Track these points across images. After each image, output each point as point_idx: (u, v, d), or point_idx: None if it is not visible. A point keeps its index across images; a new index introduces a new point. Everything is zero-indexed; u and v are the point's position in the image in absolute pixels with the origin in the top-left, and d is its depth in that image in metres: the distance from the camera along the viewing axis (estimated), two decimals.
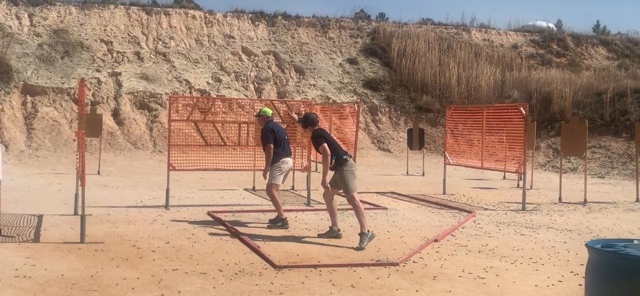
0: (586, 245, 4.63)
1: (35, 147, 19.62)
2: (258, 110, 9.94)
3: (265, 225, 9.17)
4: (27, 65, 22.60)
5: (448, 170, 14.96)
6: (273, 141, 9.21)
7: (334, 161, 8.02)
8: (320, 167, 10.34)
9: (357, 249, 7.66)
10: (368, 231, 7.93)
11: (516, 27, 34.44)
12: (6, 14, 24.68)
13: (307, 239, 8.33)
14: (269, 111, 9.80)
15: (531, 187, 15.21)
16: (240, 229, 8.76)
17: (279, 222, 9.09)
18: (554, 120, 23.76)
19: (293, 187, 13.99)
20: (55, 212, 9.79)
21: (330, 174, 8.19)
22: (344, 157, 8.08)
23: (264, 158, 9.36)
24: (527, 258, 7.45)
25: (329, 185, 8.16)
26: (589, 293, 4.55)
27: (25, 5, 25.30)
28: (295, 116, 9.74)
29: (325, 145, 8.02)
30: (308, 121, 8.55)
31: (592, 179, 17.70)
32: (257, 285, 6.02)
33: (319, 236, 8.41)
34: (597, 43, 34.44)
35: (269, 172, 9.26)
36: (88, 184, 8.90)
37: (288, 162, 9.43)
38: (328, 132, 8.66)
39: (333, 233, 8.36)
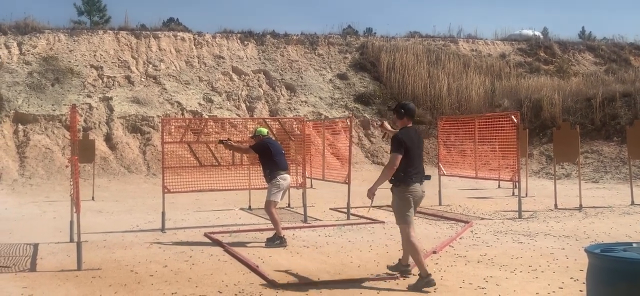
0: (585, 250, 4.64)
1: (28, 176, 19.51)
2: (253, 131, 9.84)
3: (263, 244, 9.12)
4: (18, 94, 22.53)
5: (443, 181, 14.98)
6: (265, 148, 9.21)
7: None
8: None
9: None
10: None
11: (503, 37, 34.73)
12: None
13: (305, 256, 8.30)
14: (264, 130, 9.68)
15: (526, 194, 15.25)
16: (238, 249, 8.72)
17: (277, 240, 8.97)
18: (545, 127, 23.89)
19: (289, 204, 13.96)
20: (50, 240, 9.71)
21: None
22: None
23: (263, 176, 9.34)
24: (526, 266, 7.45)
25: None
26: None
27: (13, 34, 25.27)
28: (388, 126, 7.69)
29: (400, 157, 6.38)
30: (406, 111, 6.70)
31: (587, 184, 17.77)
32: None
33: (388, 268, 7.06)
34: (584, 49, 34.74)
35: (267, 190, 9.15)
36: (83, 210, 8.84)
37: (286, 178, 9.26)
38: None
39: (401, 268, 6.93)
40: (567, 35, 41.55)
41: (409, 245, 6.52)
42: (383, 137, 8.53)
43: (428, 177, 6.75)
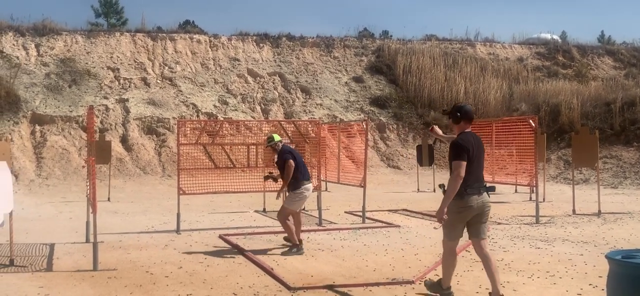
0: (606, 257, 4.57)
1: (45, 176, 19.66)
2: (268, 139, 9.32)
3: (280, 249, 9.03)
4: (35, 95, 22.73)
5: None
6: (292, 158, 8.72)
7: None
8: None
9: None
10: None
11: (521, 40, 34.44)
12: (13, 44, 24.89)
13: (320, 259, 8.25)
14: (278, 136, 9.28)
15: (544, 199, 15.08)
16: (253, 251, 8.69)
17: (294, 248, 8.63)
18: (564, 131, 23.64)
19: (305, 207, 13.89)
20: (67, 240, 9.76)
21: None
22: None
23: (281, 179, 8.88)
24: (544, 271, 7.35)
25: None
26: None
27: (31, 35, 25.52)
28: (439, 130, 6.96)
29: (464, 164, 5.68)
30: (463, 114, 5.98)
31: (605, 190, 17.54)
32: None
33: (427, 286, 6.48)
34: (603, 53, 34.36)
35: (287, 197, 8.81)
36: (99, 211, 8.87)
37: (310, 188, 8.96)
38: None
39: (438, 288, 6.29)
40: (586, 39, 41.26)
41: (449, 257, 6.01)
42: (433, 142, 7.90)
43: (492, 188, 6.05)
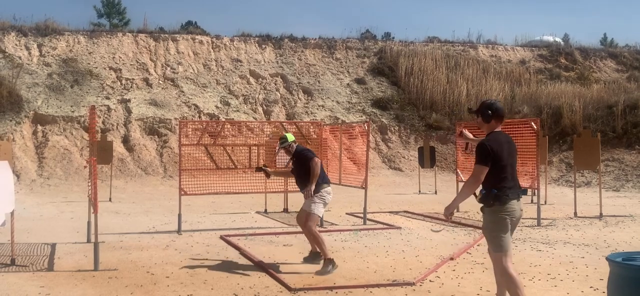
0: (607, 259, 4.56)
1: (46, 176, 19.68)
2: (281, 139, 8.25)
3: (281, 246, 9.00)
4: (37, 95, 22.76)
5: (460, 188, 14.84)
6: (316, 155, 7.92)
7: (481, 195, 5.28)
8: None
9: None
10: None
11: (523, 43, 34.42)
12: (15, 44, 24.93)
13: (321, 260, 8.23)
14: (292, 136, 8.26)
15: (545, 202, 15.06)
16: (254, 252, 8.69)
17: (329, 265, 7.39)
18: (565, 134, 23.62)
19: None
20: (68, 240, 9.76)
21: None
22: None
23: (309, 179, 7.65)
24: (545, 274, 7.34)
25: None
26: None
27: (34, 35, 25.55)
28: (469, 134, 6.50)
29: (485, 170, 5.19)
30: (494, 112, 5.43)
31: (607, 192, 17.52)
32: None
33: None
34: (606, 56, 34.33)
35: (310, 202, 7.66)
36: (100, 211, 8.87)
37: (330, 192, 7.95)
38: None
39: None
40: (589, 41, 41.22)
41: (507, 278, 5.25)
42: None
43: (524, 192, 5.63)
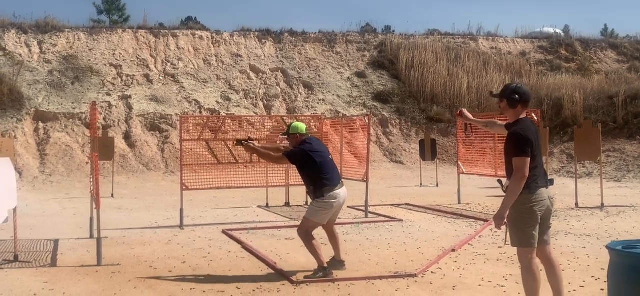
0: (607, 247, 4.57)
1: (48, 173, 19.72)
2: (288, 126, 7.35)
3: (284, 245, 9.01)
4: (38, 92, 22.78)
5: (462, 180, 14.87)
6: (298, 162, 6.92)
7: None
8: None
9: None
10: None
11: (523, 34, 34.36)
12: (16, 42, 24.94)
13: (323, 253, 8.25)
14: (303, 126, 7.16)
15: None
16: (256, 246, 8.72)
17: (319, 272, 6.76)
18: (566, 125, 23.61)
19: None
20: (71, 236, 9.80)
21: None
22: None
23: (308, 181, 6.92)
24: None
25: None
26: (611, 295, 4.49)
27: (34, 33, 25.56)
28: (469, 114, 6.11)
29: (529, 161, 4.83)
30: (521, 96, 5.04)
31: (608, 183, 17.52)
32: None
33: None
34: (606, 47, 34.28)
35: (309, 206, 7.03)
36: (102, 207, 8.90)
37: (339, 196, 6.79)
38: None
39: None
40: (589, 32, 41.12)
41: (528, 274, 4.97)
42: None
43: (551, 181, 5.39)
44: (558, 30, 35.73)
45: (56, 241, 9.31)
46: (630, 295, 4.26)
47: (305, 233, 6.85)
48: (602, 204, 12.61)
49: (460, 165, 14.85)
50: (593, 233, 9.59)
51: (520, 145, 4.81)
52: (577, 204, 12.92)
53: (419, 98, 27.25)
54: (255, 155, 7.54)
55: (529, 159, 4.79)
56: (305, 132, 7.08)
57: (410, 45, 29.80)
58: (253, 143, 7.32)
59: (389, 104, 26.72)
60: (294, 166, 7.24)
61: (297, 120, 8.20)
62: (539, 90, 26.34)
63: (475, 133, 16.20)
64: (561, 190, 16.15)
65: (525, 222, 4.89)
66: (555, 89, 25.77)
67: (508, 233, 5.10)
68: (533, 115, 12.24)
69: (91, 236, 9.49)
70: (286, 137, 7.33)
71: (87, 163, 19.48)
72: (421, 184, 18.85)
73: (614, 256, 4.47)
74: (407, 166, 23.44)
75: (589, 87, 25.46)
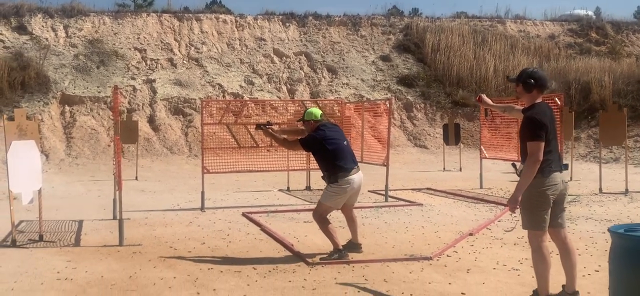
0: (609, 230, 4.52)
1: (74, 156, 20.07)
2: (303, 113, 7.49)
3: (302, 228, 9.08)
4: (64, 76, 23.14)
5: (486, 165, 14.76)
6: (312, 149, 7.05)
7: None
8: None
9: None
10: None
11: (553, 17, 33.75)
12: (42, 26, 25.32)
13: (340, 236, 8.30)
14: (318, 112, 7.19)
15: (571, 178, 14.87)
16: (275, 228, 8.80)
17: (335, 253, 6.84)
18: (594, 110, 23.18)
19: None
20: (94, 217, 10.00)
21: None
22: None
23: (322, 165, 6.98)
24: None
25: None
26: (612, 278, 4.46)
27: (60, 17, 25.91)
28: (488, 99, 6.26)
29: (543, 145, 4.87)
30: (537, 80, 5.11)
31: (636, 168, 17.24)
32: (290, 281, 6.05)
33: None
34: (639, 29, 33.53)
35: (324, 191, 7.02)
36: (126, 189, 9.07)
37: (353, 181, 6.81)
38: None
39: None
40: (622, 14, 40.24)
41: (538, 256, 5.04)
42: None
43: (565, 166, 5.30)
44: (589, 13, 35.02)
45: (80, 222, 9.51)
46: (631, 278, 4.22)
47: (320, 217, 6.94)
48: (627, 189, 12.43)
49: (483, 149, 14.74)
50: (614, 218, 9.47)
51: (534, 130, 4.87)
52: (601, 189, 12.76)
53: (444, 82, 27.02)
54: (274, 140, 7.63)
55: (543, 143, 4.84)
56: (320, 118, 7.13)
57: (436, 28, 29.51)
58: (272, 128, 7.43)
59: (414, 88, 26.55)
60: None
61: (318, 106, 8.57)
62: (567, 74, 25.93)
63: (500, 118, 16.04)
64: (586, 176, 15.95)
65: (537, 205, 4.94)
66: (583, 73, 25.33)
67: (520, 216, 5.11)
68: (556, 99, 12.09)
69: (114, 218, 9.65)
70: (302, 123, 7.40)
71: (109, 145, 19.80)
72: (444, 169, 18.76)
73: (616, 240, 4.43)
74: (431, 150, 23.33)
75: (619, 70, 24.98)
